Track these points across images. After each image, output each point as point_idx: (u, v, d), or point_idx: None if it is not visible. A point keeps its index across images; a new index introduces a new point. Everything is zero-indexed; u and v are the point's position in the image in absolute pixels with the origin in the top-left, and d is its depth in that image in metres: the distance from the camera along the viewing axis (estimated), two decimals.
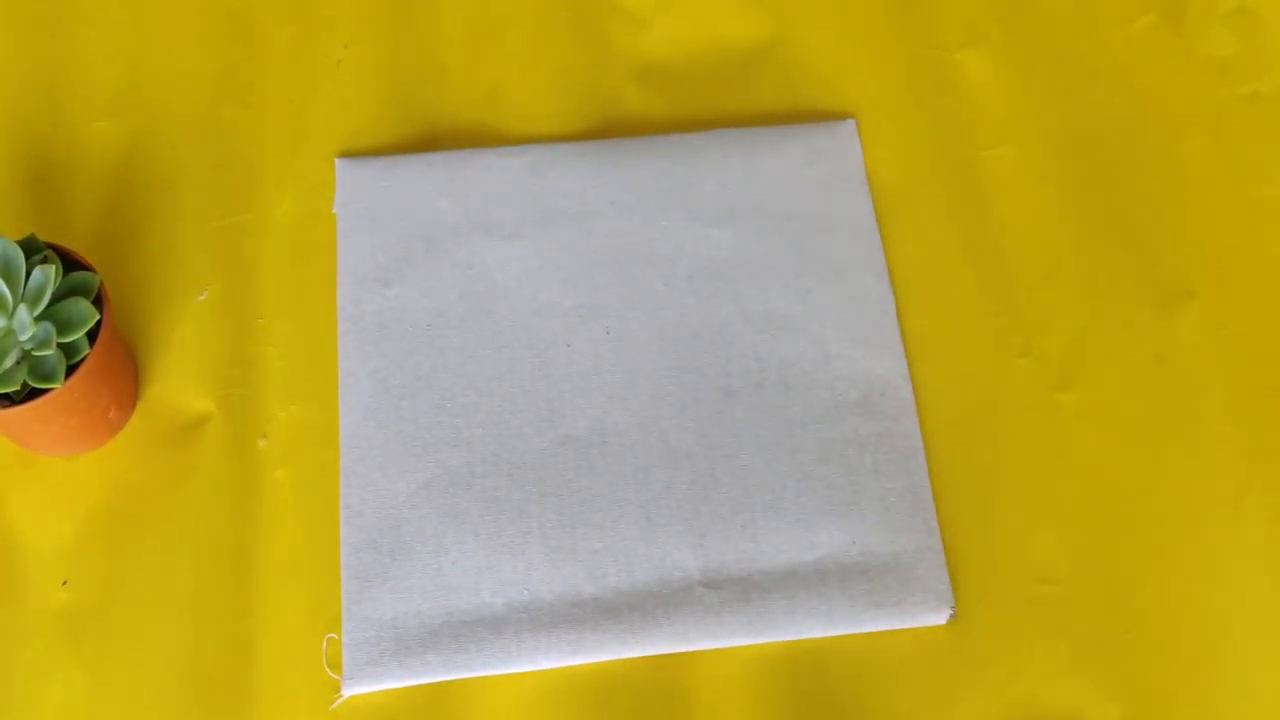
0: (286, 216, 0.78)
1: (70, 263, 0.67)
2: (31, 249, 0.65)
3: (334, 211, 0.77)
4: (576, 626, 0.66)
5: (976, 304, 0.75)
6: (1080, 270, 0.76)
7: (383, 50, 0.84)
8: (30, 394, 0.64)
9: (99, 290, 0.66)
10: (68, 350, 0.64)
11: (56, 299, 0.65)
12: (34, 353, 0.63)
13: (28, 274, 0.64)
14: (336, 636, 0.67)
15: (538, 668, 0.66)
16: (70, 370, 0.64)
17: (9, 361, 0.63)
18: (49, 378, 0.64)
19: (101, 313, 0.65)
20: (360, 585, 0.67)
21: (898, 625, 0.66)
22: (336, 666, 0.66)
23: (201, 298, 0.75)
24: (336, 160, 0.79)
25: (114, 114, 0.81)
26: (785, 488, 0.69)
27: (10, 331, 0.63)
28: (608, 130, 0.81)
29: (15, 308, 0.63)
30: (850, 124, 0.80)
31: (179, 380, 0.73)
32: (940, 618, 0.67)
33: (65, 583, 0.68)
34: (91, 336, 0.65)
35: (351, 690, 0.65)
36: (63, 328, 0.64)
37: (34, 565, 0.68)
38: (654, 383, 0.72)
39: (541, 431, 0.71)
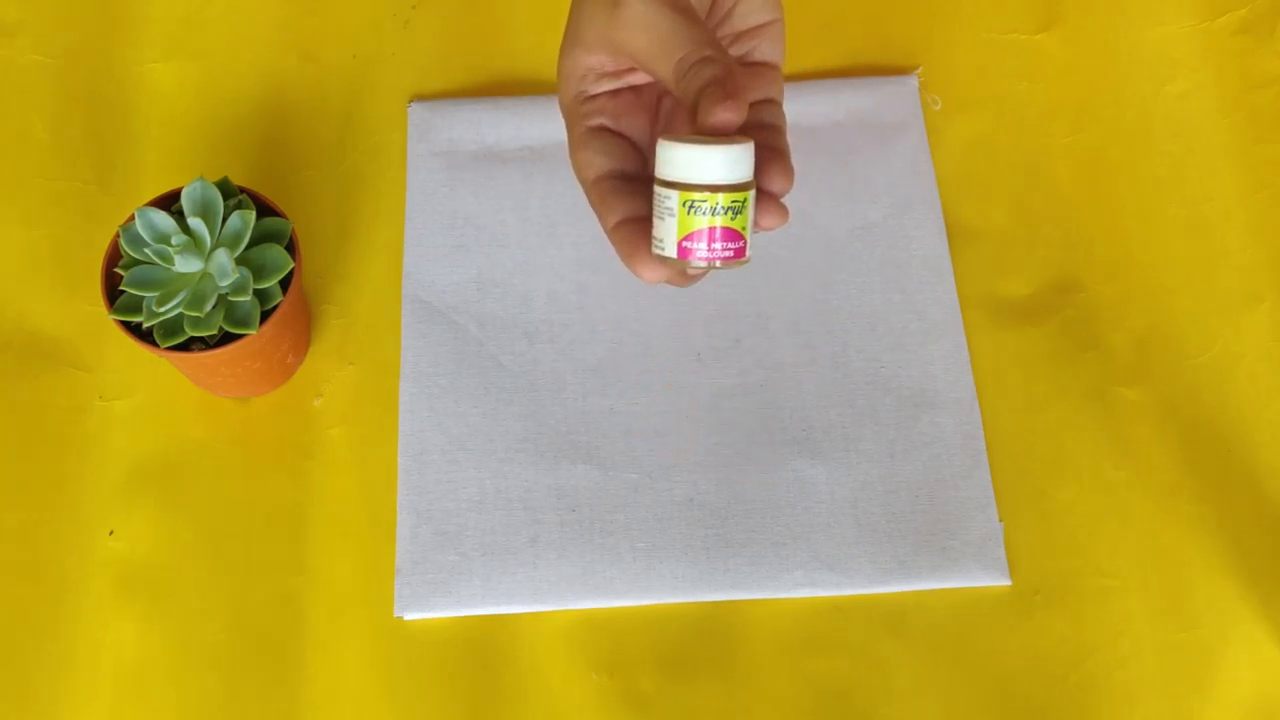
0: (346, 175, 0.75)
1: (261, 208, 0.64)
2: (227, 192, 0.62)
3: (406, 153, 0.75)
4: (627, 570, 0.66)
5: (1043, 295, 0.74)
6: (1151, 267, 0.75)
7: (451, 12, 0.81)
8: (223, 338, 0.62)
9: (290, 237, 0.63)
10: (262, 297, 0.61)
11: (251, 244, 0.62)
12: (230, 298, 0.60)
13: (224, 217, 0.61)
14: (389, 588, 0.66)
15: (584, 607, 0.66)
16: (263, 317, 0.61)
17: (207, 306, 0.60)
18: (244, 324, 0.61)
19: (294, 259, 0.62)
20: (415, 520, 0.66)
21: (953, 585, 0.67)
22: (389, 613, 0.65)
23: None
24: (410, 104, 0.77)
25: (170, 58, 0.78)
26: (847, 450, 0.69)
27: (208, 275, 0.60)
28: None
29: (213, 251, 0.60)
30: (913, 79, 0.79)
31: None
32: (995, 580, 0.67)
33: (111, 533, 0.66)
34: (282, 283, 0.62)
35: (404, 614, 0.65)
36: (258, 274, 0.61)
37: (83, 515, 0.67)
38: (711, 335, 0.71)
39: (589, 387, 0.70)
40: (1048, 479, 0.69)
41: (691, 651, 0.65)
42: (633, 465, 0.68)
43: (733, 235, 0.48)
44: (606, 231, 0.52)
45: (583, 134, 0.54)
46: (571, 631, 0.66)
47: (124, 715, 0.63)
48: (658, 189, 0.48)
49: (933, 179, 0.76)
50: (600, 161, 0.53)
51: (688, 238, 0.48)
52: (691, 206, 0.47)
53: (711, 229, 0.48)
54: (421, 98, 0.77)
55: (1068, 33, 0.82)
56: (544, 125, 0.76)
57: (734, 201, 0.47)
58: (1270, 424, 0.71)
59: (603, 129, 0.54)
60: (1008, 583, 0.67)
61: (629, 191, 0.52)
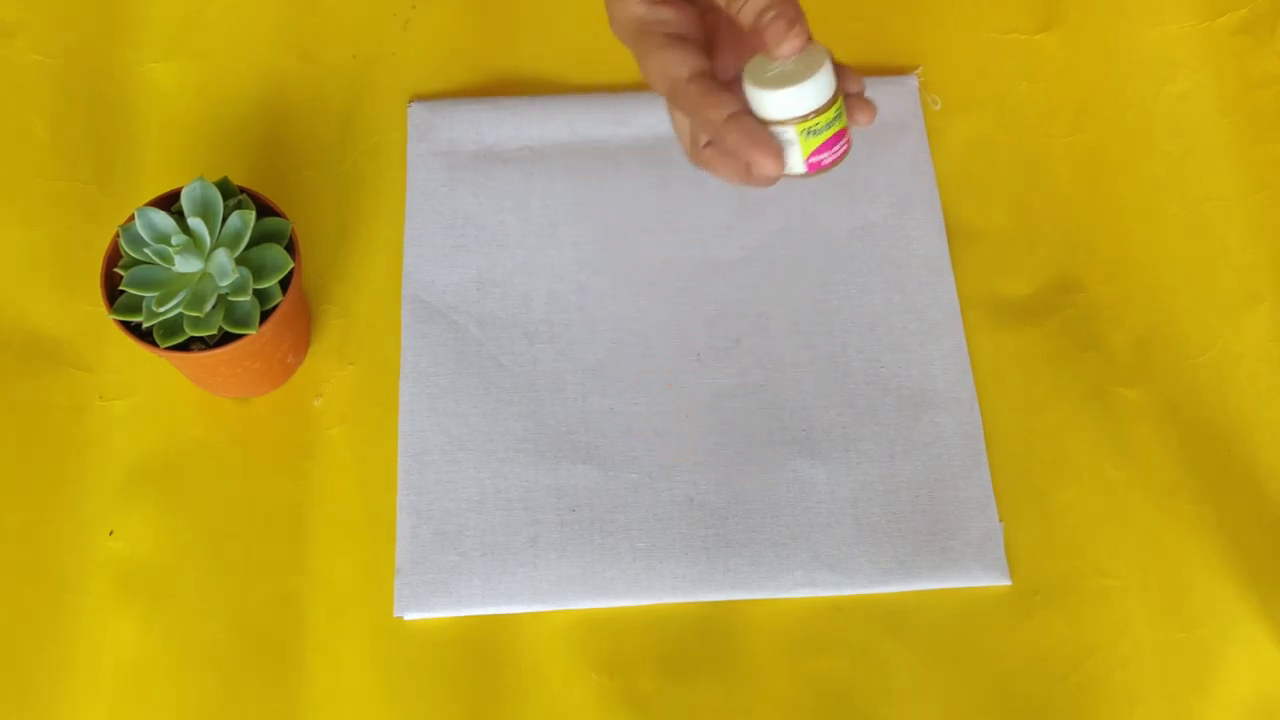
0: (346, 175, 0.75)
1: (261, 208, 0.64)
2: (227, 192, 0.62)
3: (406, 153, 0.75)
4: (627, 570, 0.66)
5: (1043, 295, 0.74)
6: (1151, 267, 0.75)
7: (451, 12, 0.81)
8: (222, 339, 0.62)
9: (290, 237, 0.63)
10: (262, 297, 0.61)
11: (251, 244, 0.62)
12: (230, 298, 0.60)
13: (224, 217, 0.61)
14: (389, 588, 0.66)
15: (584, 607, 0.66)
16: (263, 317, 0.61)
17: (207, 306, 0.60)
18: (244, 324, 0.61)
19: (294, 259, 0.62)
20: (414, 520, 0.66)
21: (953, 585, 0.67)
22: (389, 613, 0.65)
23: None
24: (410, 104, 0.77)
25: (170, 58, 0.78)
26: (847, 450, 0.69)
27: (208, 275, 0.60)
28: None
29: (213, 251, 0.60)
30: (913, 79, 0.79)
31: None
32: (995, 580, 0.67)
33: (111, 533, 0.66)
34: (282, 283, 0.62)
35: (403, 614, 0.65)
36: (258, 274, 0.61)
37: (83, 514, 0.67)
38: (711, 335, 0.71)
39: (589, 387, 0.70)
40: (1048, 479, 0.69)
41: (691, 651, 0.65)
42: (633, 465, 0.68)
43: (842, 134, 0.55)
44: (715, 125, 0.54)
45: (662, 39, 0.56)
46: (571, 631, 0.66)
47: (124, 715, 0.63)
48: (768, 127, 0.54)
49: (933, 179, 0.76)
50: (693, 61, 0.55)
51: (813, 154, 0.55)
52: (810, 131, 0.54)
53: (829, 139, 0.54)
54: (421, 98, 0.77)
55: (1068, 33, 0.82)
56: (544, 125, 0.76)
57: (837, 110, 0.54)
58: (1270, 424, 0.71)
59: (679, 36, 0.56)
60: (1008, 583, 0.67)
61: (726, 88, 0.54)
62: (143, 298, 0.61)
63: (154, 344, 0.61)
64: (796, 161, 0.55)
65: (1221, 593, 0.67)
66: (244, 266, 0.61)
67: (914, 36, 0.81)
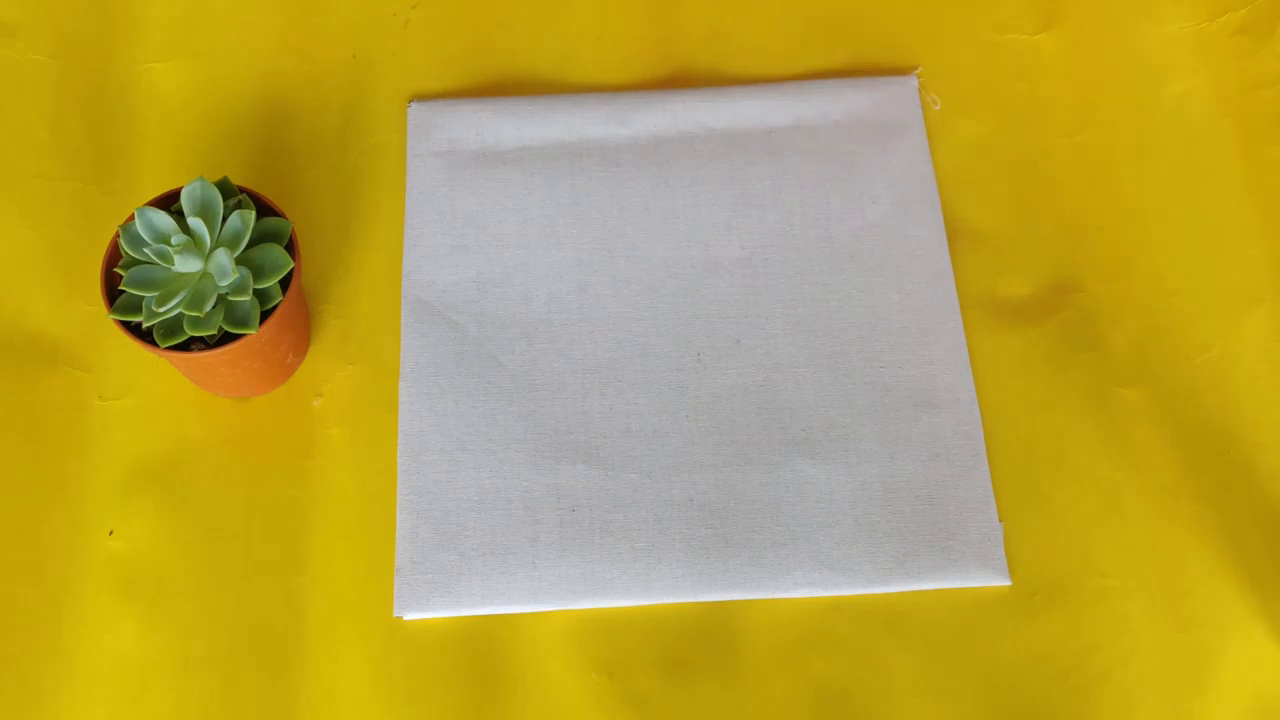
0: (346, 175, 0.75)
1: (261, 208, 0.64)
2: (227, 192, 0.62)
3: (406, 153, 0.75)
4: (627, 570, 0.66)
5: (1043, 296, 0.74)
6: (1151, 267, 0.75)
7: (451, 12, 0.81)
8: (222, 339, 0.62)
9: (290, 237, 0.63)
10: (261, 297, 0.61)
11: (251, 244, 0.62)
12: (230, 298, 0.60)
13: (224, 217, 0.61)
14: (389, 588, 0.66)
15: (584, 607, 0.66)
16: (263, 317, 0.61)
17: (207, 306, 0.60)
18: (244, 324, 0.61)
19: (294, 259, 0.62)
20: (414, 520, 0.66)
21: (953, 585, 0.67)
22: (389, 613, 0.65)
23: None
24: (410, 104, 0.77)
25: (170, 58, 0.78)
26: (847, 450, 0.69)
27: (208, 275, 0.60)
28: (677, 87, 0.79)
29: (213, 251, 0.60)
30: (913, 79, 0.79)
31: None
32: (995, 580, 0.67)
33: (111, 533, 0.66)
34: (282, 283, 0.62)
35: (403, 614, 0.65)
36: (258, 274, 0.61)
37: (83, 514, 0.67)
38: (711, 335, 0.71)
39: (588, 387, 0.70)
40: (1048, 479, 0.69)
41: (691, 651, 0.65)
42: (633, 465, 0.68)
43: None
44: None
45: None
46: (571, 631, 0.66)
47: (124, 715, 0.63)
48: None
49: (933, 179, 0.76)
50: None
51: None
52: None
53: None
54: (421, 98, 0.77)
55: (1068, 33, 0.82)
56: (544, 125, 0.76)
57: None
58: (1270, 424, 0.71)
59: None
60: (1008, 583, 0.67)
61: None
62: (143, 298, 0.61)
63: (154, 344, 0.61)
64: None
65: (1221, 593, 0.67)
66: (244, 266, 0.61)
67: (914, 36, 0.81)
